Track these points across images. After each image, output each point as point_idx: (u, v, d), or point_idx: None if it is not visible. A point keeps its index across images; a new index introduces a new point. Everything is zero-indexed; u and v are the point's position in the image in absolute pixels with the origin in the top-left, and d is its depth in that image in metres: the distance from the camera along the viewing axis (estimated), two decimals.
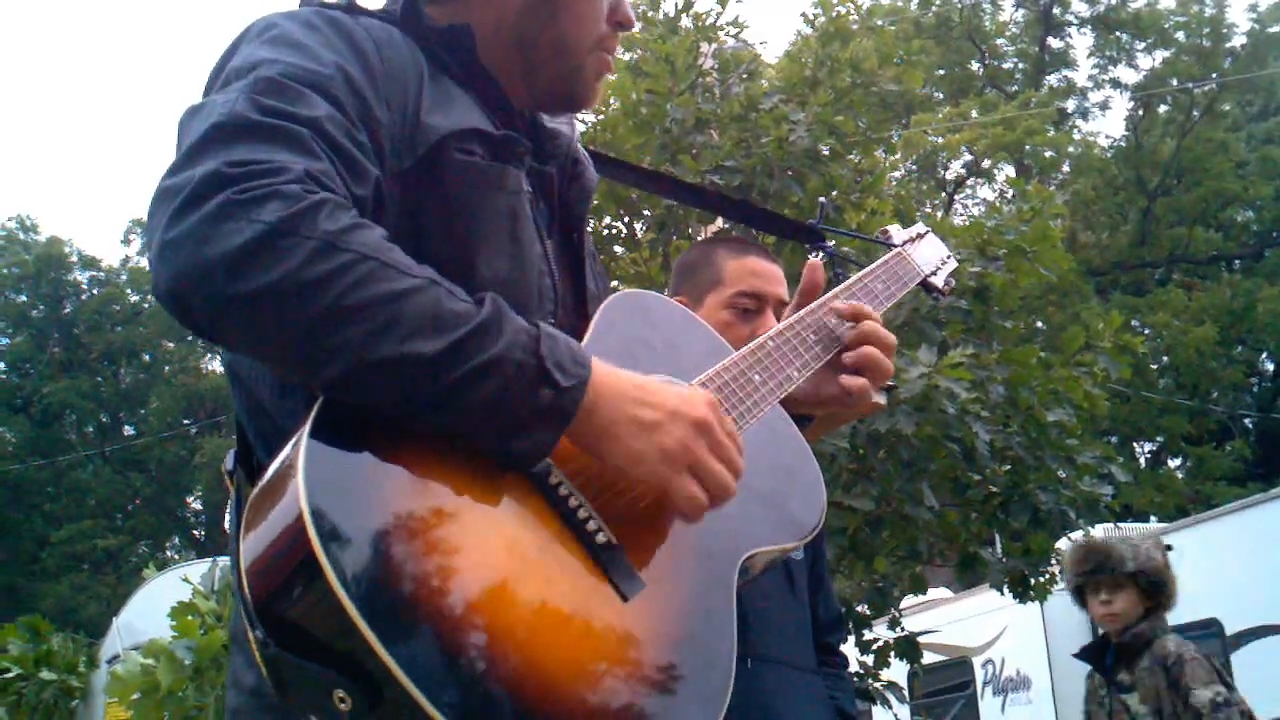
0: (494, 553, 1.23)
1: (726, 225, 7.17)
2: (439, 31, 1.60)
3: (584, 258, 1.76)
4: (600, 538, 1.33)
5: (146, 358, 34.76)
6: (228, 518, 1.43)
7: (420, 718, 1.07)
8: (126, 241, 35.92)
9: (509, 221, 1.52)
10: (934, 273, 2.25)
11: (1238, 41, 26.79)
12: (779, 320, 2.50)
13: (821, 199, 5.30)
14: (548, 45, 1.65)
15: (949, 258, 2.32)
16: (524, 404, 1.26)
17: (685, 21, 7.46)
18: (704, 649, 1.35)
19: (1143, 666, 4.39)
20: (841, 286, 1.99)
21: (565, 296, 1.67)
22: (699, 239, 6.68)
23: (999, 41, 29.88)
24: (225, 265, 1.16)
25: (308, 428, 1.19)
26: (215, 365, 35.35)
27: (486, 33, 1.63)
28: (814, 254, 2.45)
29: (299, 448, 1.18)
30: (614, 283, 7.00)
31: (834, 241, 2.54)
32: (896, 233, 2.26)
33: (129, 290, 34.94)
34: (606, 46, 1.70)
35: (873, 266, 2.09)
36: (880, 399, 1.98)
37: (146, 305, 34.11)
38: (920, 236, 2.27)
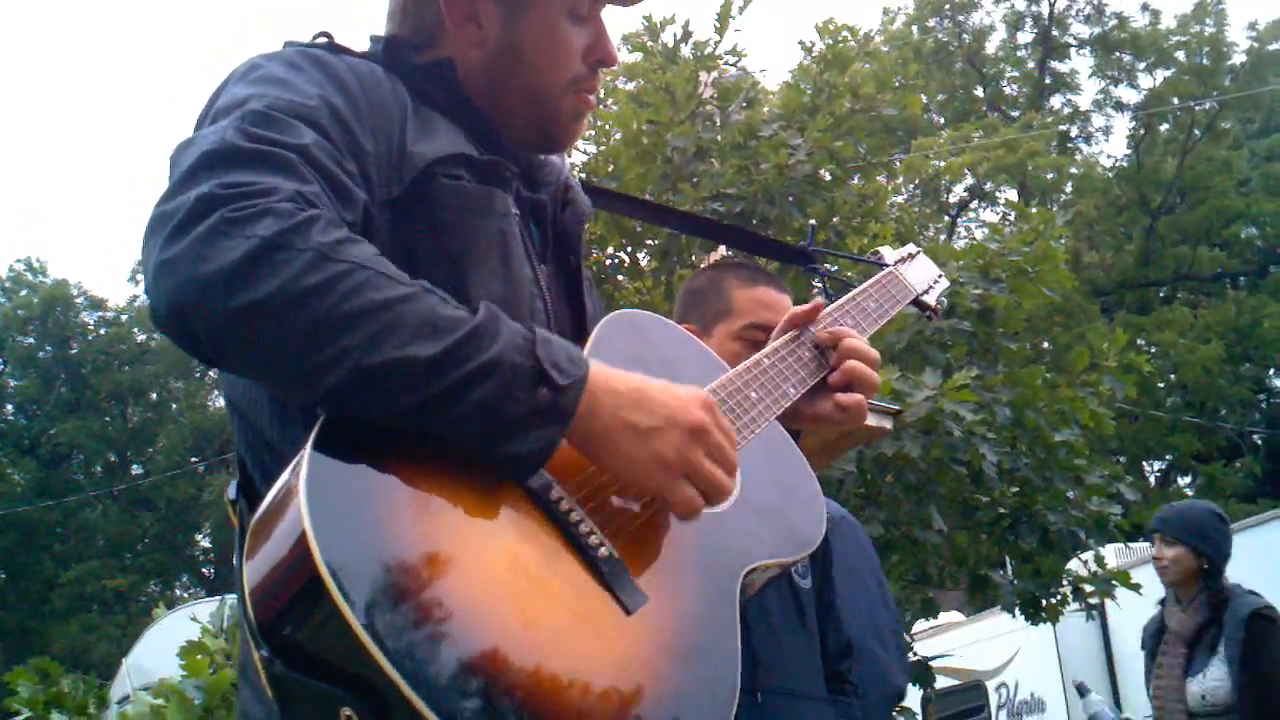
0: (496, 568, 1.23)
1: (729, 253, 7.18)
2: (421, 67, 1.63)
3: (581, 281, 1.76)
4: (602, 551, 1.33)
5: (154, 396, 34.78)
6: (236, 549, 1.44)
7: None
8: (133, 281, 35.99)
9: (499, 243, 1.53)
10: (926, 291, 2.24)
11: (1238, 59, 26.87)
12: None
13: (811, 222, 5.30)
14: (516, 94, 1.65)
15: (940, 277, 2.32)
16: (523, 404, 1.27)
17: (685, 51, 7.50)
18: (710, 661, 1.35)
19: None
20: (834, 305, 1.98)
21: (563, 320, 1.68)
22: (703, 265, 6.69)
23: (1001, 65, 29.97)
24: (223, 280, 1.18)
25: (309, 447, 1.20)
26: (222, 402, 35.27)
27: (462, 75, 1.65)
28: (810, 277, 2.46)
29: (300, 467, 1.18)
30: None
31: (829, 264, 2.54)
32: (888, 253, 2.26)
33: (136, 330, 34.99)
34: (585, 86, 1.69)
35: (864, 285, 2.09)
36: (886, 423, 2.01)
37: (153, 344, 34.14)
38: (912, 257, 2.28)
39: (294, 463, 1.21)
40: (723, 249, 7.10)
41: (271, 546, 1.18)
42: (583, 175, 6.80)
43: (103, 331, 35.19)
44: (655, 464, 1.37)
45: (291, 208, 1.23)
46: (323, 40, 1.60)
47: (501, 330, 1.29)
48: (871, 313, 2.04)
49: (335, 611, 1.09)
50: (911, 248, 2.32)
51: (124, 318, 35.29)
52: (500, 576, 1.23)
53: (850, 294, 2.04)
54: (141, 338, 34.74)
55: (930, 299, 2.26)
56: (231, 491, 1.51)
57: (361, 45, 1.68)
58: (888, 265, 2.20)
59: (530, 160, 1.74)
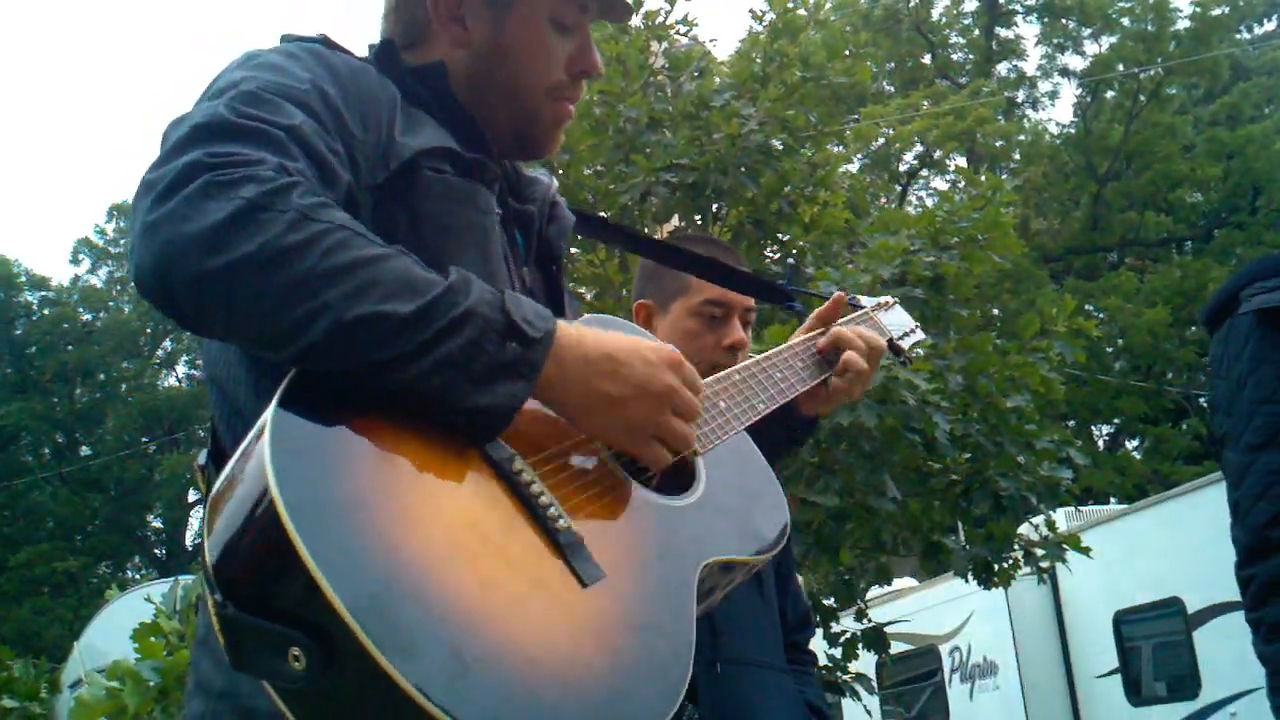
0: (456, 528, 1.25)
1: (682, 225, 7.18)
2: (413, 70, 1.67)
3: (562, 291, 1.82)
4: (561, 524, 1.34)
5: (101, 377, 34.33)
6: (195, 520, 1.45)
7: (374, 674, 1.08)
8: (76, 261, 35.49)
9: (480, 238, 1.58)
10: (901, 337, 2.33)
11: (1181, 25, 27.07)
12: (745, 326, 2.56)
13: (789, 261, 5.34)
14: (499, 91, 1.70)
15: (915, 328, 2.41)
16: (492, 356, 1.32)
17: (635, 21, 7.46)
18: (664, 638, 1.35)
19: None
20: (808, 336, 2.09)
21: None
22: (658, 238, 6.68)
23: (948, 33, 30.06)
24: (207, 239, 1.23)
25: (274, 403, 1.23)
26: (171, 381, 35.01)
27: (451, 78, 1.69)
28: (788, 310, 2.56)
29: (265, 420, 1.21)
30: (569, 283, 6.99)
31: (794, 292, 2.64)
32: (866, 301, 2.36)
33: (81, 309, 34.51)
34: (566, 95, 1.75)
35: (841, 321, 2.19)
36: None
37: (99, 324, 33.71)
38: (888, 305, 2.37)
39: (260, 420, 1.23)
40: (676, 221, 7.10)
41: (234, 492, 1.20)
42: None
43: (46, 311, 34.64)
44: (626, 431, 1.46)
45: (274, 174, 1.28)
46: (319, 37, 1.64)
47: (473, 288, 1.34)
48: None
49: (291, 550, 1.10)
50: (888, 298, 2.43)
51: (69, 298, 34.75)
52: (459, 536, 1.24)
53: (828, 330, 2.15)
54: (87, 317, 34.27)
55: (905, 344, 2.34)
56: (202, 458, 1.54)
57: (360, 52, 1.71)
58: (864, 308, 2.30)
59: (518, 173, 1.79)
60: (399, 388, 1.29)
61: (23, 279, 34.61)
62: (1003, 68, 29.91)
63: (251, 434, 1.24)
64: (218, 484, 1.25)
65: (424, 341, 1.28)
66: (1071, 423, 23.21)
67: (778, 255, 7.07)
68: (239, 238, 1.23)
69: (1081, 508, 12.90)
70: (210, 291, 1.24)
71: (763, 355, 1.91)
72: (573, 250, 7.54)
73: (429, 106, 1.64)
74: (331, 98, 1.48)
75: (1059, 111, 61.61)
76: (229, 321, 1.28)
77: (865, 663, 7.38)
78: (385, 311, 1.25)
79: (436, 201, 1.54)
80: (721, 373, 1.79)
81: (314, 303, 1.24)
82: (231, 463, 1.25)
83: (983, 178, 7.38)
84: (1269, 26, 29.76)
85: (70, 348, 33.73)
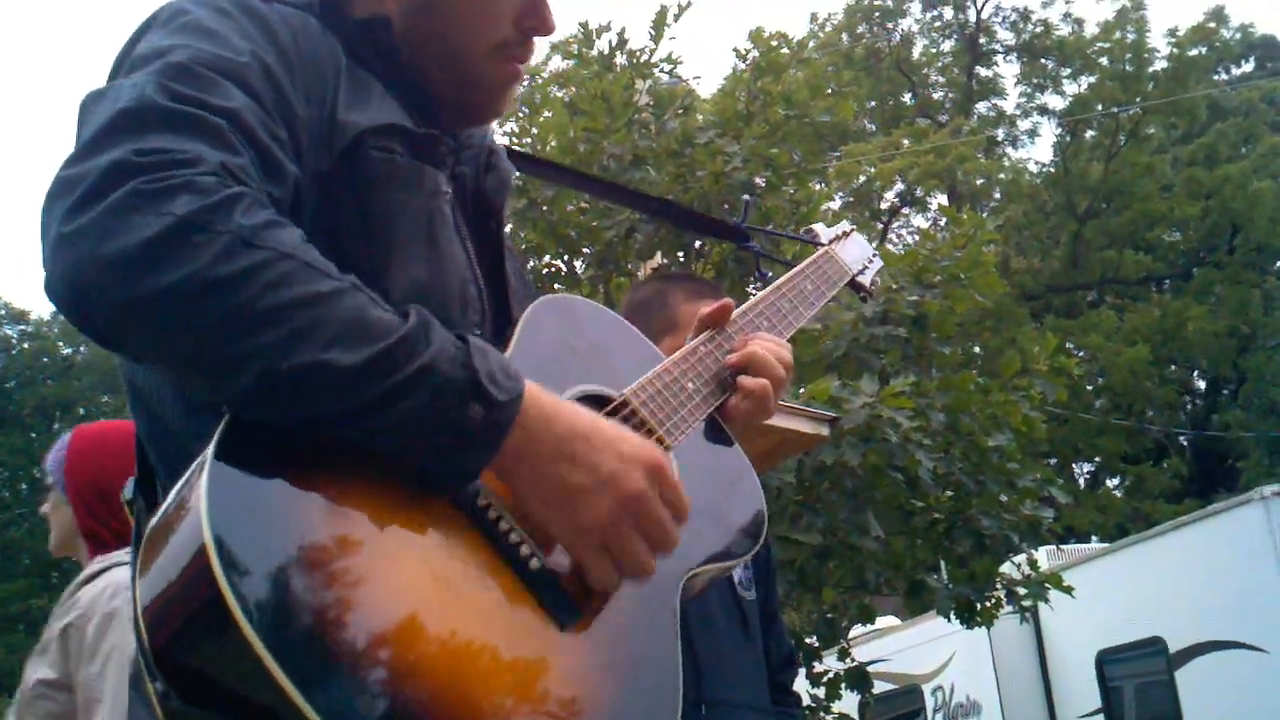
0: (419, 585, 1.13)
1: (665, 262, 7.19)
2: (358, 23, 1.49)
3: (503, 249, 1.62)
4: (534, 564, 1.24)
5: (81, 411, 34.10)
6: (131, 558, 1.33)
7: None
8: None
9: (426, 225, 1.42)
10: (861, 271, 2.19)
11: (1159, 66, 27.36)
12: None
13: (745, 196, 5.28)
14: (435, 51, 1.51)
15: (875, 256, 2.27)
16: (453, 421, 1.15)
17: (620, 59, 7.50)
18: (650, 674, 1.30)
19: None
20: (770, 288, 1.91)
21: (486, 293, 1.54)
22: (642, 275, 6.70)
23: (928, 71, 30.34)
24: (128, 261, 1.06)
25: (211, 450, 1.09)
26: None
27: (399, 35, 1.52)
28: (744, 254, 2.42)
29: (201, 473, 1.06)
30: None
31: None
32: (823, 231, 2.20)
33: (61, 343, 34.33)
34: (514, 54, 1.54)
35: (801, 266, 2.02)
36: (823, 430, 2.00)
37: (79, 358, 33.53)
38: (846, 235, 2.22)
39: (196, 464, 1.10)
40: (659, 258, 7.11)
41: (167, 560, 1.06)
42: (520, 182, 6.77)
43: (26, 345, 34.44)
44: (575, 531, 1.25)
45: (214, 182, 1.11)
46: None
47: (433, 337, 1.17)
48: (808, 295, 1.97)
49: (238, 636, 0.98)
50: (845, 225, 2.26)
51: (50, 332, 34.57)
52: (423, 594, 1.13)
53: (786, 275, 1.97)
54: (67, 351, 34.09)
55: (865, 279, 2.21)
56: (128, 490, 1.38)
57: None
58: (823, 244, 2.15)
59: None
60: (349, 441, 1.15)
61: (2, 313, 34.43)
62: (983, 106, 30.18)
63: (180, 486, 1.11)
64: (145, 541, 1.11)
65: (373, 399, 1.11)
66: (1052, 461, 23.25)
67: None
68: (166, 263, 1.06)
69: (1064, 547, 12.90)
70: (131, 321, 1.09)
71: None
72: (555, 286, 7.55)
73: (375, 68, 1.46)
74: (273, 70, 1.29)
75: (1039, 150, 62.16)
76: (152, 352, 1.13)
77: (848, 703, 7.34)
78: (327, 361, 1.09)
79: (381, 187, 1.36)
80: (685, 348, 1.67)
81: (246, 345, 1.08)
82: (161, 516, 1.12)
83: (964, 216, 7.42)
84: (1246, 68, 30.13)
85: (50, 382, 33.53)
